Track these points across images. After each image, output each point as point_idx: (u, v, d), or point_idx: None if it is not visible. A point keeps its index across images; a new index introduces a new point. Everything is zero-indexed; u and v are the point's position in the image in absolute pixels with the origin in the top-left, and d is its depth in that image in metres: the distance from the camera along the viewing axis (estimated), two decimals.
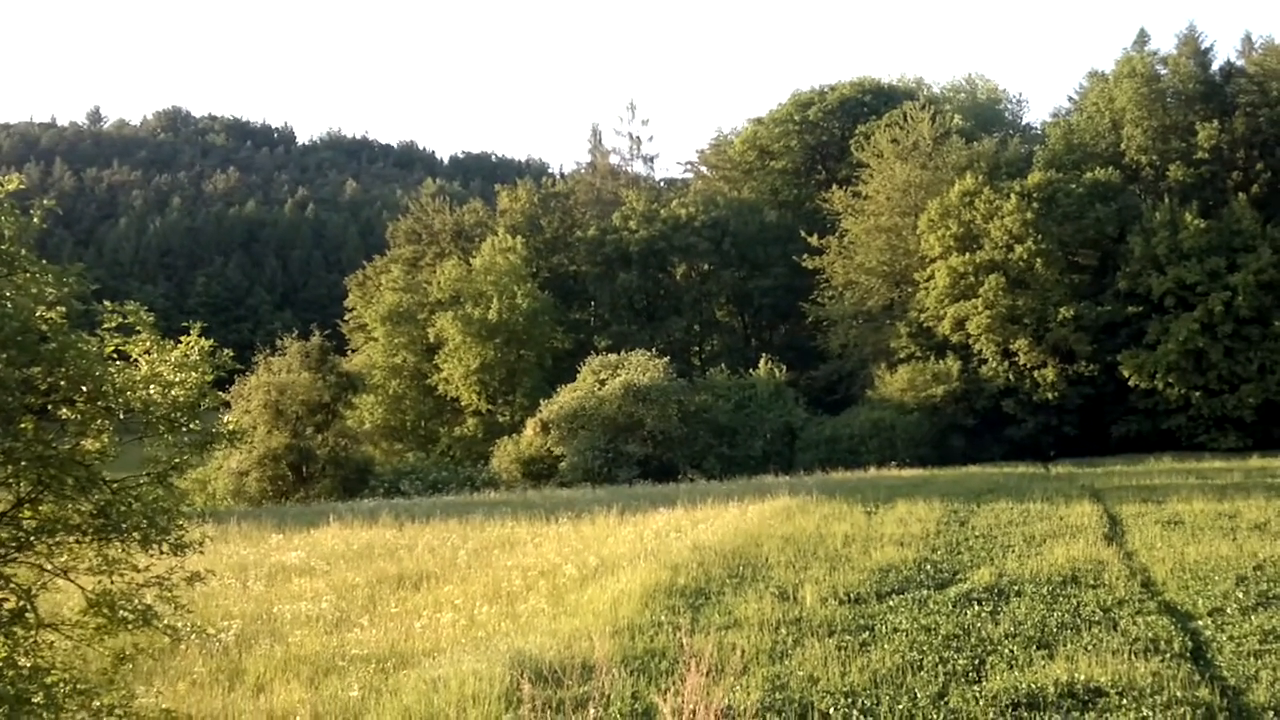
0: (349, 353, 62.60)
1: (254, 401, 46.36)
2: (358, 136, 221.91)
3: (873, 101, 67.68)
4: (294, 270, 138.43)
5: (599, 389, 48.06)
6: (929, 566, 16.98)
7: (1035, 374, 48.63)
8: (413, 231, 68.30)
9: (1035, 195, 49.73)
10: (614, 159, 74.09)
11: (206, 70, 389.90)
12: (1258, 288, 46.09)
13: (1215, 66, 54.71)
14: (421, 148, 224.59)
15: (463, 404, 57.52)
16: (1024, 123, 78.01)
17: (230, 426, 10.45)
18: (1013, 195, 49.50)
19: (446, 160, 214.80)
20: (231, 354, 9.97)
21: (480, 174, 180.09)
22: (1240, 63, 55.25)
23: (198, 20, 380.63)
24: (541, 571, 18.21)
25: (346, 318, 67.92)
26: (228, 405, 42.44)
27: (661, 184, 75.37)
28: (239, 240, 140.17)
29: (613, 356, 50.74)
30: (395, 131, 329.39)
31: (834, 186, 59.91)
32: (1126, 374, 47.59)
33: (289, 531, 25.93)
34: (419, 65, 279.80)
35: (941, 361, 49.81)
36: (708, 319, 66.23)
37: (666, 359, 50.77)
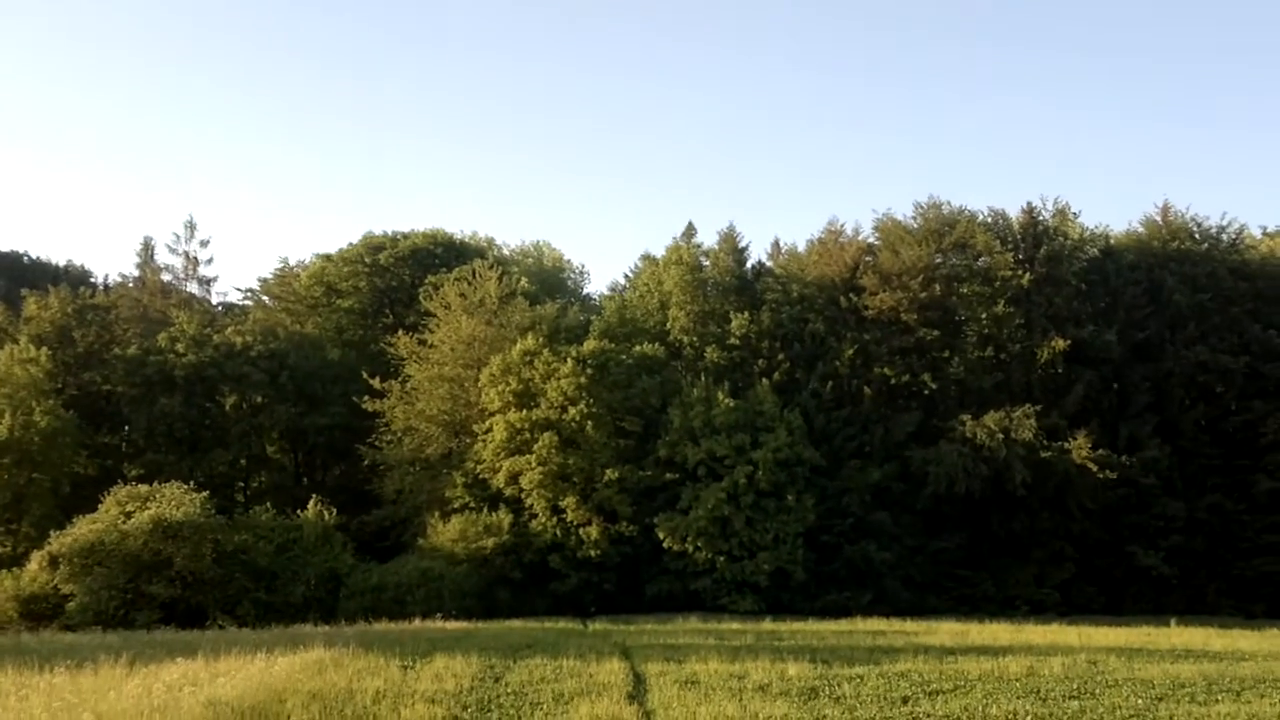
0: None
1: None
2: None
3: (444, 254, 69.06)
4: None
5: (124, 522, 43.74)
6: None
7: (581, 531, 50.64)
8: None
9: (589, 362, 52.84)
10: (166, 276, 69.47)
11: None
12: (775, 464, 51.38)
13: (749, 264, 61.87)
14: None
15: None
16: (585, 292, 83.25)
17: None
18: (569, 359, 52.26)
19: None
20: None
21: (9, 275, 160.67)
22: (769, 263, 62.90)
23: None
24: None
25: None
26: None
27: (219, 309, 71.59)
28: None
29: (144, 487, 46.60)
30: None
31: (400, 331, 59.93)
32: (661, 536, 50.80)
33: None
34: None
35: (494, 514, 50.55)
36: (257, 454, 62.71)
37: (206, 493, 47.43)
